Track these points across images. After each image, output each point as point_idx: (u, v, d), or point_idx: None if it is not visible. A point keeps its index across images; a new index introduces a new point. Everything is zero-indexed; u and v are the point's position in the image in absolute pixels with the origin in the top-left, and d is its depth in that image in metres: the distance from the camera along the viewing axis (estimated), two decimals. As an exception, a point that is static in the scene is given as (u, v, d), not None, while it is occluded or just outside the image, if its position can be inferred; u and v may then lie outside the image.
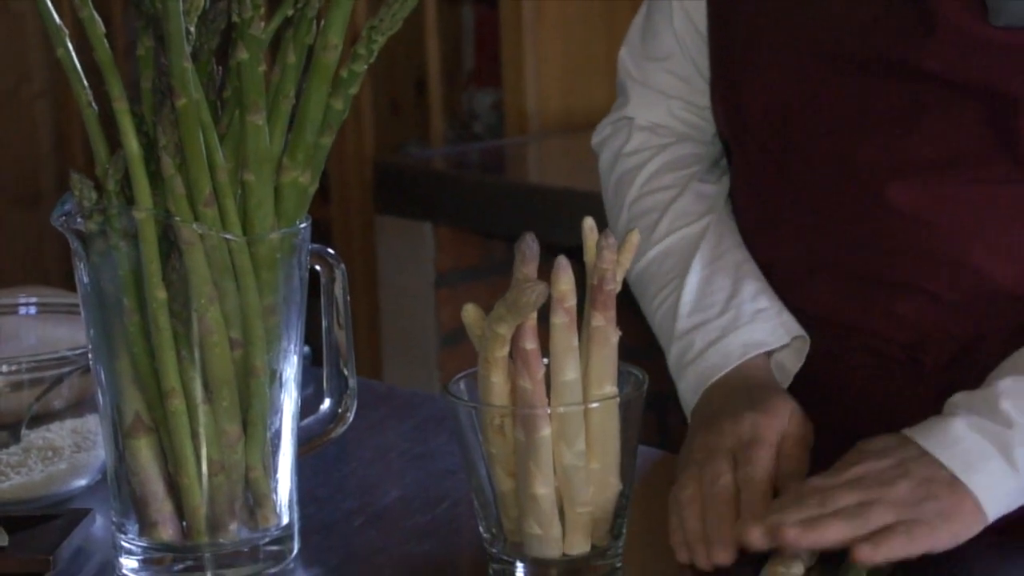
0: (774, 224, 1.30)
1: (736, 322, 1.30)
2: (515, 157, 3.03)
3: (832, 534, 1.07)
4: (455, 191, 2.83)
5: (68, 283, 1.45)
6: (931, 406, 1.24)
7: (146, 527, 1.15)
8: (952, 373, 1.26)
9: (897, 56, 1.24)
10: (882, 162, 1.25)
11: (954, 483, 1.10)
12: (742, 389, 1.27)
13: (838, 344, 1.31)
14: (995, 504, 1.10)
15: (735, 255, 1.35)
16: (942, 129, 1.23)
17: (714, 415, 1.24)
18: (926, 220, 1.24)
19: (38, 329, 1.43)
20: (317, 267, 1.22)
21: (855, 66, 1.26)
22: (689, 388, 1.31)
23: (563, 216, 2.38)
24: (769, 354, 1.31)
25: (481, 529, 1.15)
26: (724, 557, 1.12)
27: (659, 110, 1.44)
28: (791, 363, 1.32)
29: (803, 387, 1.32)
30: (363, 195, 3.07)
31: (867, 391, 1.30)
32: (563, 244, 1.26)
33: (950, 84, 1.22)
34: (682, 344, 1.32)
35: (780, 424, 1.22)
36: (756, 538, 1.08)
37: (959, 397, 1.16)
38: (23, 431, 1.30)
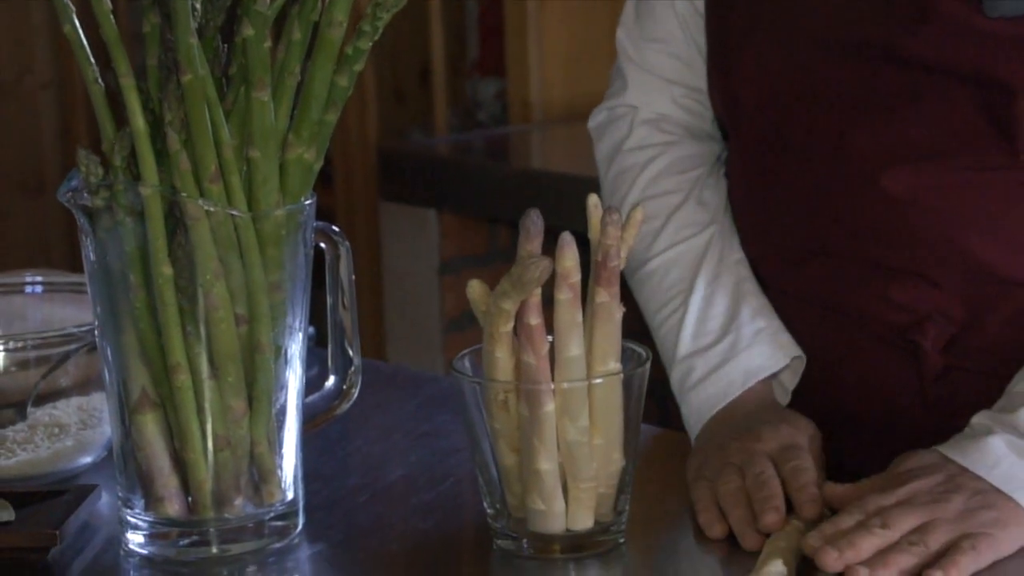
0: (771, 210, 1.31)
1: (736, 348, 1.31)
2: (519, 144, 3.03)
3: (901, 566, 1.08)
4: (459, 178, 2.84)
5: (73, 271, 1.46)
6: (929, 389, 1.26)
7: (152, 502, 1.16)
8: (949, 356, 1.27)
9: (892, 43, 1.24)
10: (877, 148, 1.25)
11: (1004, 495, 1.12)
12: (754, 412, 1.29)
13: (835, 328, 1.31)
14: None
15: (736, 271, 1.36)
16: (937, 116, 1.23)
17: (744, 429, 1.25)
18: (921, 206, 1.24)
19: (44, 309, 1.43)
20: (322, 245, 1.22)
21: (851, 53, 1.26)
22: (692, 413, 1.32)
23: (567, 203, 2.38)
24: (772, 375, 1.32)
25: (485, 505, 1.16)
26: (774, 519, 1.14)
27: (662, 98, 1.43)
28: (789, 381, 1.34)
29: (802, 372, 1.33)
30: (367, 182, 3.08)
31: (864, 374, 1.30)
32: (567, 231, 1.26)
33: (945, 71, 1.22)
34: (683, 368, 1.34)
35: (810, 432, 1.25)
36: (832, 561, 1.08)
37: (986, 417, 1.17)
38: (29, 408, 1.31)
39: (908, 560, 1.08)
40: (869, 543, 1.09)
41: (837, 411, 1.30)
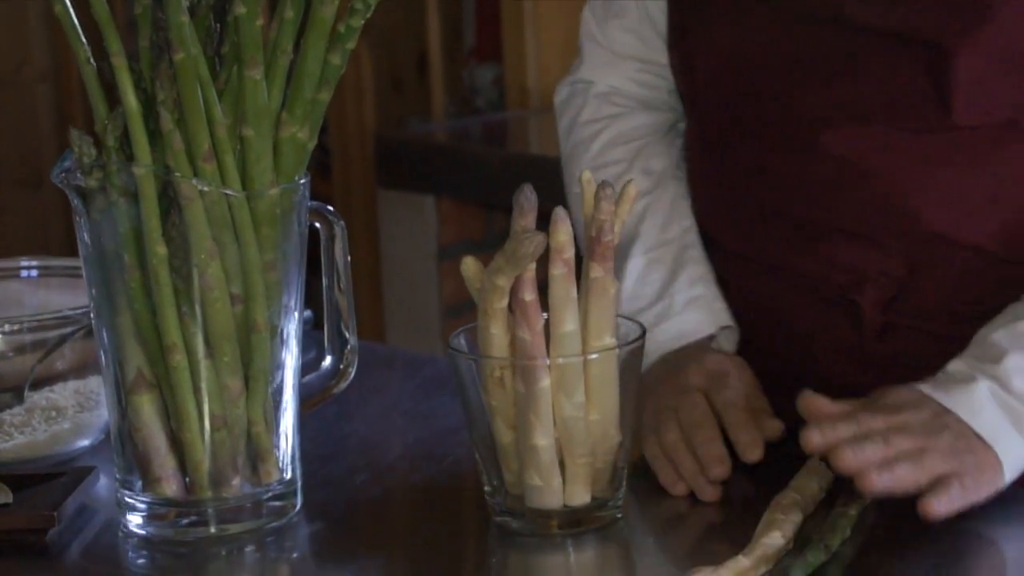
0: (723, 175, 1.33)
1: (667, 313, 1.33)
2: (516, 130, 3.03)
3: (904, 478, 1.11)
4: (457, 164, 2.83)
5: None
6: (868, 347, 1.29)
7: (149, 483, 1.16)
8: (888, 315, 1.29)
9: (834, 6, 1.26)
10: (819, 111, 1.28)
11: (984, 443, 1.14)
12: (682, 355, 1.31)
13: (780, 287, 1.33)
14: (1012, 470, 1.15)
15: (682, 239, 1.37)
16: (877, 78, 1.25)
17: (674, 368, 1.29)
18: (861, 167, 1.27)
19: (40, 294, 1.43)
20: (317, 225, 1.22)
21: (796, 16, 1.28)
22: None
23: (563, 188, 2.38)
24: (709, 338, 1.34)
25: (483, 482, 1.16)
26: (721, 471, 1.18)
27: (615, 72, 1.45)
28: (726, 348, 1.36)
29: (747, 329, 1.35)
30: (365, 169, 3.08)
31: (807, 333, 1.33)
32: (560, 206, 1.26)
33: (885, 35, 1.24)
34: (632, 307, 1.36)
35: (736, 360, 1.29)
36: (815, 445, 1.12)
37: (965, 364, 1.18)
38: (26, 392, 1.31)
39: (911, 474, 1.10)
40: (873, 451, 1.11)
41: (779, 369, 1.32)
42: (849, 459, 1.10)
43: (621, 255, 1.37)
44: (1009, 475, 1.15)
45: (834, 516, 1.11)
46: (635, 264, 1.36)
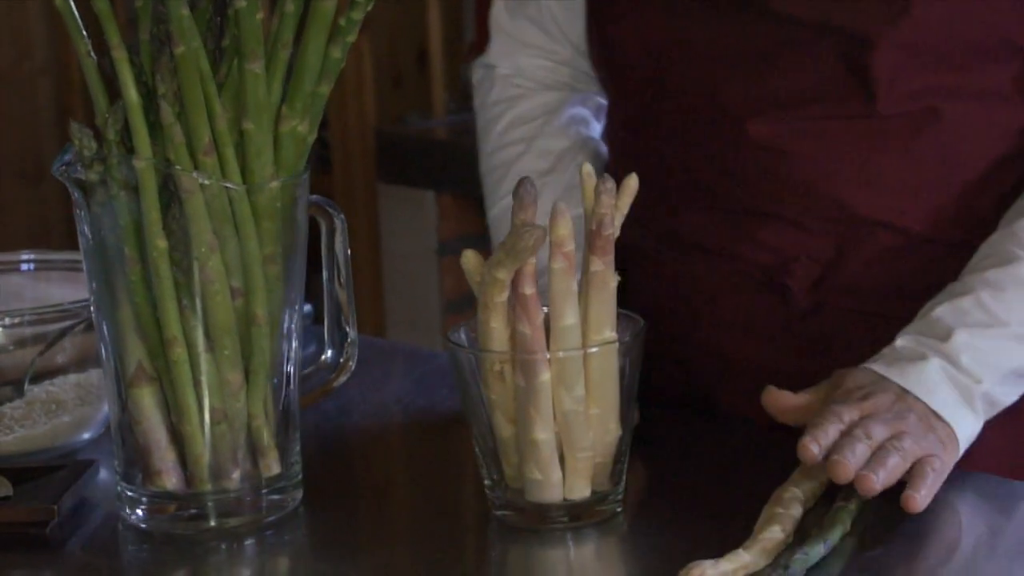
0: (648, 157, 1.36)
1: None
2: (516, 126, 3.03)
3: (894, 472, 1.13)
4: (457, 159, 2.84)
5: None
6: (797, 327, 1.33)
7: (149, 476, 1.16)
8: (816, 295, 1.33)
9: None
10: (745, 98, 1.31)
11: (942, 419, 1.18)
12: None
13: (708, 269, 1.36)
14: (964, 444, 1.19)
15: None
16: (799, 67, 1.29)
17: None
18: (786, 153, 1.30)
19: (40, 288, 1.43)
20: (318, 219, 1.22)
21: (719, 6, 1.31)
22: None
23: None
24: None
25: (483, 476, 1.16)
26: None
27: (518, 56, 1.48)
28: None
29: (678, 312, 1.37)
30: (365, 165, 3.08)
31: (736, 314, 1.35)
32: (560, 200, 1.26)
33: (809, 26, 1.27)
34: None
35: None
36: (814, 456, 1.13)
37: (913, 340, 1.21)
38: (26, 385, 1.31)
39: (897, 464, 1.13)
40: (861, 448, 1.13)
41: (710, 349, 1.34)
42: (846, 470, 1.11)
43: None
44: (962, 449, 1.18)
45: (834, 510, 1.11)
46: None
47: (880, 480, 1.11)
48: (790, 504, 1.11)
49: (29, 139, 3.63)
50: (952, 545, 1.12)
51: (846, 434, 1.14)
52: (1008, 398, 1.22)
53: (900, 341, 1.22)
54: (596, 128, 1.49)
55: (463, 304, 2.89)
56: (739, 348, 1.35)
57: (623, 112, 1.42)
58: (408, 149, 2.92)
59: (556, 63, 1.47)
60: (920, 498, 1.12)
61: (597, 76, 1.44)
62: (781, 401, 1.20)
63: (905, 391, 1.18)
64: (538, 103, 1.47)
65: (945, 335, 1.20)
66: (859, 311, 1.32)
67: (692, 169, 1.34)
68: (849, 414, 1.16)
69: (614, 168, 1.42)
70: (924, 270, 1.30)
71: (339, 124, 3.11)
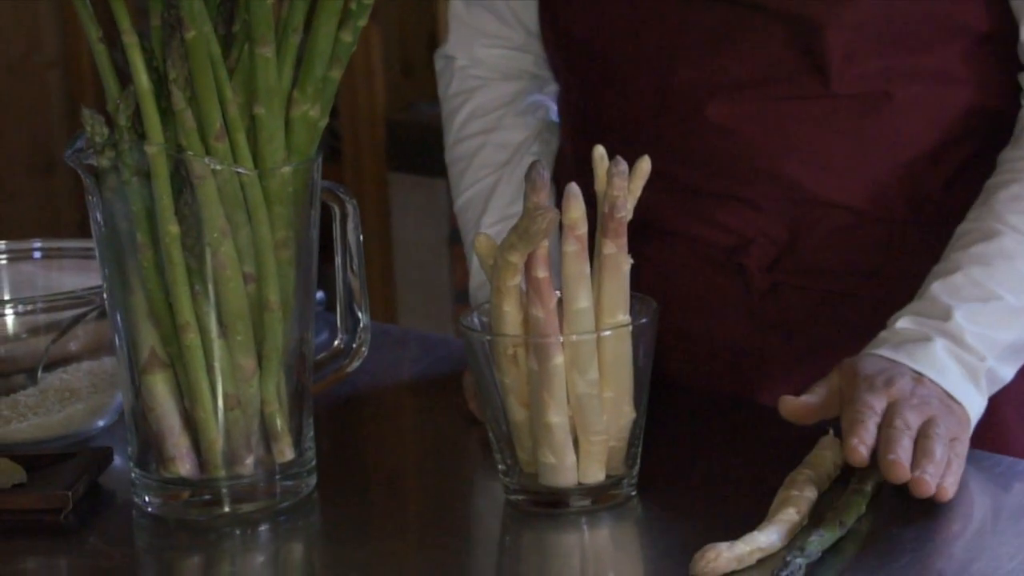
0: (604, 140, 1.34)
1: None
2: (527, 113, 3.02)
3: (939, 460, 1.12)
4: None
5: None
6: (756, 306, 1.34)
7: (163, 462, 1.16)
8: (774, 274, 1.34)
9: None
10: (700, 82, 1.32)
11: (956, 400, 1.18)
12: None
13: (668, 250, 1.38)
14: (975, 418, 1.20)
15: None
16: (752, 50, 1.30)
17: None
18: (742, 135, 1.32)
19: (52, 277, 1.43)
20: (331, 205, 1.22)
21: None
22: None
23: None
24: None
25: (497, 461, 1.16)
26: None
27: (475, 46, 1.48)
28: None
29: (633, 288, 1.35)
30: (376, 154, 3.08)
31: (696, 293, 1.37)
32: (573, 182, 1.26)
33: (759, 8, 1.29)
34: (475, 300, 1.41)
35: None
36: (863, 458, 1.12)
37: (913, 321, 1.21)
38: (40, 374, 1.31)
39: (943, 453, 1.12)
40: (908, 445, 1.12)
41: (670, 328, 1.35)
42: (903, 471, 1.11)
43: (470, 226, 1.44)
44: (973, 425, 1.19)
45: (849, 492, 1.11)
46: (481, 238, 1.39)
47: (932, 480, 1.10)
48: (805, 486, 1.11)
49: (39, 131, 3.63)
50: (970, 527, 1.12)
51: (887, 426, 1.13)
52: (1007, 374, 1.22)
53: (900, 323, 1.22)
54: (555, 114, 1.49)
55: (475, 292, 2.89)
56: (699, 327, 1.37)
57: (578, 96, 1.42)
58: (419, 137, 2.91)
59: (512, 50, 1.47)
60: (949, 487, 1.11)
61: (550, 60, 1.45)
62: (799, 407, 1.19)
63: (920, 374, 1.18)
64: (496, 94, 1.48)
65: (945, 314, 1.20)
66: (815, 289, 1.34)
67: (648, 152, 1.34)
68: (879, 403, 1.15)
69: (571, 151, 1.44)
70: (877, 248, 1.33)
71: (349, 113, 3.11)
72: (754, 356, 1.34)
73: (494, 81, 1.48)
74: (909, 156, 1.31)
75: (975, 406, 1.19)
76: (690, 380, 1.37)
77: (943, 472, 1.12)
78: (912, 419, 1.14)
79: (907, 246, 1.32)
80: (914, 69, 1.29)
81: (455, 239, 2.90)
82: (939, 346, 1.19)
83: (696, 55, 1.32)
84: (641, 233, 1.37)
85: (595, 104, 1.40)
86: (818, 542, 1.04)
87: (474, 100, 1.48)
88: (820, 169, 1.32)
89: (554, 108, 1.49)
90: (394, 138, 2.96)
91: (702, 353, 1.37)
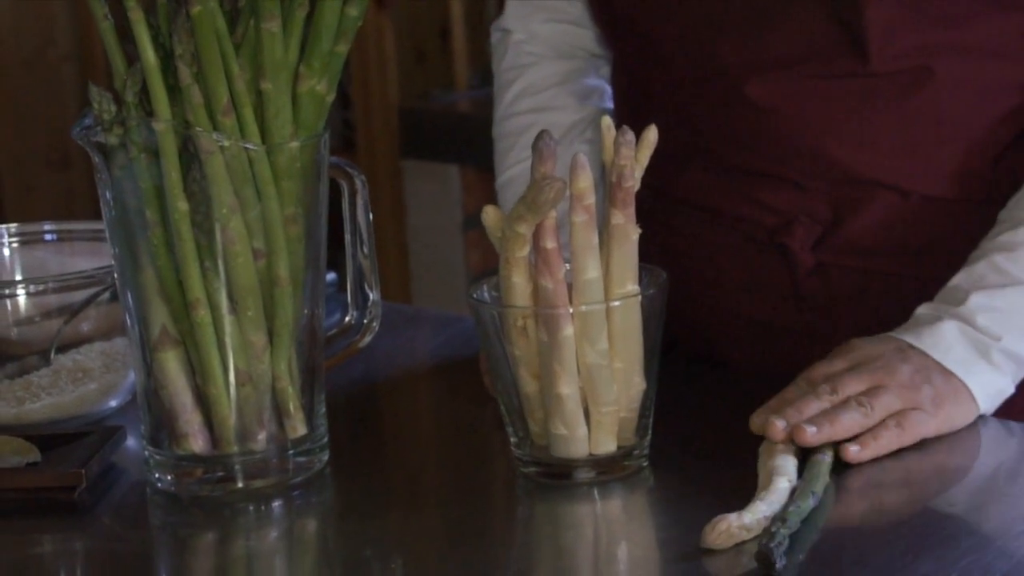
0: (648, 117, 1.35)
1: None
2: (539, 99, 3.02)
3: (845, 426, 1.14)
4: (481, 133, 2.83)
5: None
6: (802, 285, 1.34)
7: (176, 440, 1.16)
8: (818, 254, 1.33)
9: None
10: (741, 60, 1.31)
11: (948, 373, 1.18)
12: None
13: (712, 230, 1.37)
14: (987, 399, 1.19)
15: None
16: (793, 27, 1.29)
17: None
18: (783, 113, 1.31)
19: (64, 263, 1.43)
20: (339, 181, 1.22)
21: None
22: None
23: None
24: None
25: (509, 433, 1.16)
26: None
27: (532, 19, 1.48)
28: None
29: (684, 272, 1.37)
30: (389, 141, 3.08)
31: (741, 272, 1.37)
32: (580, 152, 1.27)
33: None
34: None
35: None
36: (780, 431, 1.14)
37: (931, 308, 1.22)
38: (53, 354, 1.31)
39: (854, 419, 1.14)
40: (815, 406, 1.15)
41: (716, 307, 1.36)
42: (775, 430, 1.13)
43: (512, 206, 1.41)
44: (985, 405, 1.19)
45: (813, 463, 1.12)
46: None
47: (817, 436, 1.12)
48: (785, 455, 1.12)
49: (55, 125, 3.64)
50: (930, 490, 1.14)
51: (809, 391, 1.16)
52: None
53: (920, 310, 1.22)
54: (610, 100, 1.49)
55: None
56: (741, 306, 1.36)
57: (626, 71, 1.42)
58: (432, 124, 2.92)
59: (570, 24, 1.47)
60: (854, 452, 1.13)
61: (603, 35, 1.44)
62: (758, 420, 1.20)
63: (911, 346, 1.19)
64: (548, 72, 1.47)
65: (961, 300, 1.20)
66: (861, 269, 1.33)
67: (692, 129, 1.35)
68: (824, 369, 1.17)
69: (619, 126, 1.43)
70: (924, 227, 1.31)
71: (362, 101, 3.11)
72: (798, 336, 1.33)
73: (548, 59, 1.47)
74: (954, 134, 1.30)
75: (986, 383, 1.19)
76: (735, 359, 1.36)
77: (866, 439, 1.13)
78: (847, 387, 1.15)
79: (955, 225, 1.30)
80: (956, 45, 1.28)
81: (469, 226, 2.90)
82: (948, 326, 1.19)
83: (736, 32, 1.31)
84: (684, 212, 1.38)
85: (641, 82, 1.39)
86: (796, 513, 1.05)
87: (526, 77, 1.47)
88: (863, 148, 1.30)
89: (610, 93, 1.48)
90: (407, 126, 2.96)
91: (746, 332, 1.36)
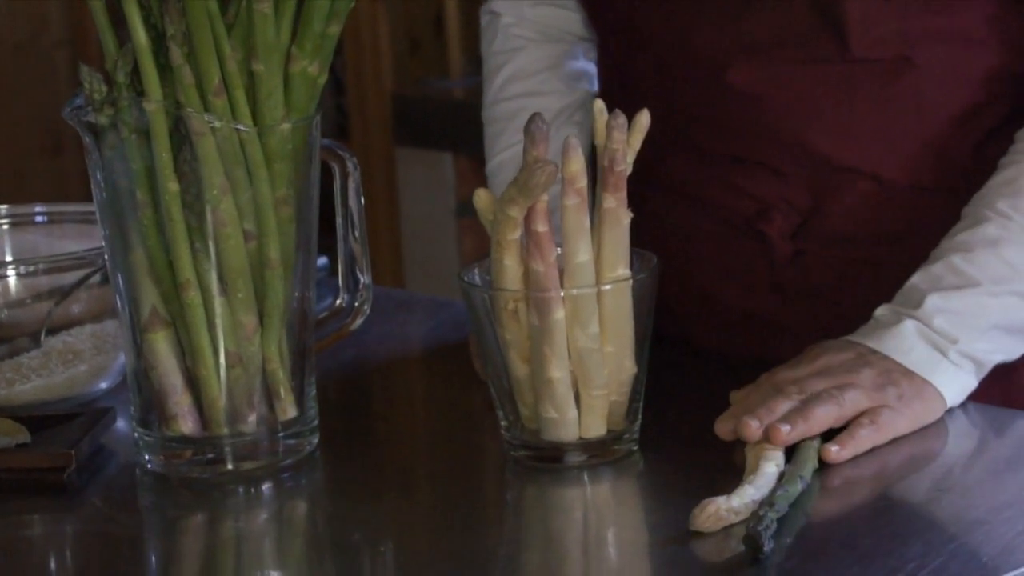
0: (632, 105, 1.35)
1: None
2: (533, 87, 3.02)
3: (820, 420, 1.14)
4: (474, 121, 2.83)
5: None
6: (780, 272, 1.33)
7: (166, 421, 1.16)
8: (797, 242, 1.33)
9: None
10: (721, 45, 1.31)
11: (911, 374, 1.19)
12: None
13: (692, 216, 1.37)
14: (954, 395, 1.20)
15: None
16: (773, 13, 1.29)
17: None
18: (763, 99, 1.31)
19: (55, 245, 1.43)
20: (330, 163, 1.22)
21: None
22: None
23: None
24: None
25: (499, 417, 1.16)
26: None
27: (522, 3, 1.47)
28: None
29: (651, 250, 1.35)
30: (383, 128, 3.08)
31: (719, 259, 1.36)
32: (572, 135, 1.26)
33: None
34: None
35: None
36: (754, 432, 1.14)
37: (888, 310, 1.22)
38: (43, 336, 1.31)
39: (827, 411, 1.14)
40: (785, 405, 1.15)
41: (692, 293, 1.36)
42: (750, 430, 1.13)
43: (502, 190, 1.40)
44: (953, 400, 1.20)
45: (801, 448, 1.12)
46: None
47: (792, 434, 1.12)
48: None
49: (48, 112, 3.64)
50: (907, 475, 1.14)
51: (775, 392, 1.16)
52: (996, 355, 1.21)
53: (879, 311, 1.23)
54: (597, 82, 1.49)
55: (482, 265, 2.90)
56: (720, 292, 1.36)
57: (608, 59, 1.42)
58: (425, 111, 2.91)
59: (559, 8, 1.47)
60: (835, 453, 1.13)
61: (587, 18, 1.44)
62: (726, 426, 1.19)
63: (872, 351, 1.19)
64: (538, 56, 1.47)
65: (918, 302, 1.21)
66: (839, 257, 1.33)
67: (672, 116, 1.35)
68: (787, 374, 1.18)
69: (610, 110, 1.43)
70: (903, 215, 1.31)
71: (356, 88, 3.11)
72: (776, 323, 1.33)
73: (537, 42, 1.47)
74: (934, 122, 1.30)
75: (951, 381, 1.19)
76: (713, 346, 1.36)
77: (843, 439, 1.13)
78: (813, 386, 1.16)
79: (934, 213, 1.30)
80: (935, 32, 1.28)
81: (462, 213, 2.90)
82: (907, 327, 1.20)
83: (717, 17, 1.31)
84: (664, 197, 1.38)
85: (624, 65, 1.39)
86: (784, 497, 1.05)
87: (515, 62, 1.47)
88: (842, 135, 1.30)
89: (597, 76, 1.48)
90: (401, 113, 2.96)
91: (724, 319, 1.36)
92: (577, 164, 1.10)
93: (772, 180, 1.32)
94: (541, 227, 1.10)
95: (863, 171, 1.31)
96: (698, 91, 1.33)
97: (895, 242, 1.31)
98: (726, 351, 1.35)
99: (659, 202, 1.38)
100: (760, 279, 1.34)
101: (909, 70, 1.28)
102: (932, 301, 1.20)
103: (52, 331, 1.32)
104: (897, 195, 1.31)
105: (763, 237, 1.33)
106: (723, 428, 1.16)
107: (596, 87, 1.48)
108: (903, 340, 1.19)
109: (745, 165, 1.33)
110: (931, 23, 1.28)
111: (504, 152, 1.45)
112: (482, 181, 3.07)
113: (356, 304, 1.24)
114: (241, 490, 1.15)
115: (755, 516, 1.02)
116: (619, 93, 1.40)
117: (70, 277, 1.31)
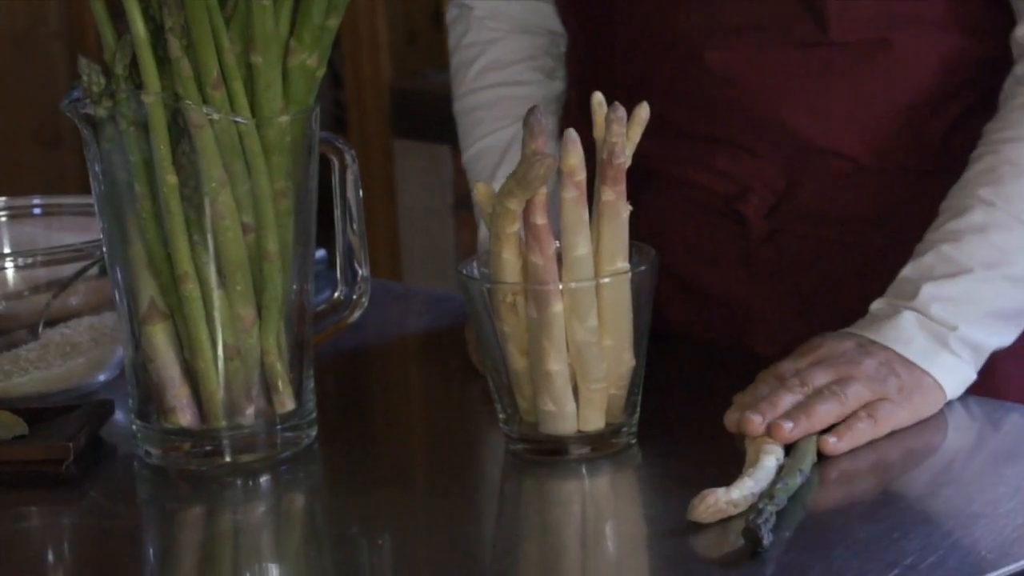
0: (605, 85, 1.35)
1: None
2: (532, 80, 3.02)
3: (822, 417, 1.14)
4: (472, 114, 2.83)
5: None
6: (755, 253, 1.34)
7: (164, 413, 1.16)
8: (772, 222, 1.34)
9: None
10: (698, 27, 1.32)
11: (911, 365, 1.18)
12: None
13: (668, 196, 1.37)
14: (954, 386, 1.20)
15: None
16: None
17: None
18: (739, 81, 1.32)
19: (52, 238, 1.43)
20: (329, 156, 1.22)
21: None
22: None
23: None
24: None
25: (497, 410, 1.16)
26: None
27: None
28: None
29: (634, 236, 1.35)
30: (381, 121, 3.07)
31: (695, 239, 1.37)
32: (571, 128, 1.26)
33: None
34: (482, 248, 1.38)
35: None
36: (757, 426, 1.14)
37: (885, 303, 1.22)
38: (41, 328, 1.31)
39: (830, 409, 1.14)
40: (789, 399, 1.15)
41: (668, 276, 1.35)
42: (753, 426, 1.13)
43: (484, 176, 1.42)
44: (952, 392, 1.19)
45: (801, 442, 1.12)
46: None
47: (795, 431, 1.12)
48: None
49: (45, 104, 3.63)
50: (906, 469, 1.14)
51: (778, 386, 1.16)
52: (993, 340, 1.22)
53: (874, 305, 1.23)
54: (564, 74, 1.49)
55: (480, 258, 2.90)
56: (696, 273, 1.37)
57: (581, 41, 1.42)
58: (423, 104, 2.91)
59: (532, 0, 1.46)
60: (832, 444, 1.13)
61: (558, 10, 1.44)
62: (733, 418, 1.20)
63: (872, 341, 1.19)
64: (513, 47, 1.46)
65: (913, 292, 1.21)
66: (814, 237, 1.34)
67: (649, 98, 1.34)
68: (789, 366, 1.18)
69: (576, 101, 1.42)
70: (877, 197, 1.32)
71: (354, 81, 3.11)
72: (752, 304, 1.34)
73: (512, 34, 1.47)
74: (908, 104, 1.31)
75: (951, 372, 1.19)
76: (688, 328, 1.37)
77: (841, 431, 1.13)
78: (816, 378, 1.16)
79: (907, 194, 1.32)
80: (911, 15, 1.29)
81: (460, 205, 2.90)
82: (906, 318, 1.20)
83: (693, 0, 1.31)
84: (639, 180, 1.37)
85: (598, 51, 1.39)
86: (784, 490, 1.05)
87: (490, 53, 1.46)
88: (818, 117, 1.31)
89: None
90: (399, 106, 2.96)
91: (700, 301, 1.37)
92: (576, 157, 1.10)
93: (747, 161, 1.33)
94: (540, 220, 1.10)
95: (838, 152, 1.32)
96: (676, 72, 1.33)
97: (869, 223, 1.32)
98: (701, 335, 1.35)
99: (633, 183, 1.38)
100: (735, 260, 1.35)
101: (885, 53, 1.29)
102: (927, 290, 1.20)
103: (50, 323, 1.31)
104: (870, 176, 1.32)
105: (740, 217, 1.34)
106: (731, 420, 1.16)
107: (564, 78, 1.47)
108: (903, 331, 1.19)
109: (722, 146, 1.34)
110: (909, 7, 1.29)
111: (484, 139, 1.44)
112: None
113: (354, 297, 1.24)
114: (239, 482, 1.15)
115: (754, 509, 1.02)
116: (589, 79, 1.39)
117: (68, 269, 1.31)
